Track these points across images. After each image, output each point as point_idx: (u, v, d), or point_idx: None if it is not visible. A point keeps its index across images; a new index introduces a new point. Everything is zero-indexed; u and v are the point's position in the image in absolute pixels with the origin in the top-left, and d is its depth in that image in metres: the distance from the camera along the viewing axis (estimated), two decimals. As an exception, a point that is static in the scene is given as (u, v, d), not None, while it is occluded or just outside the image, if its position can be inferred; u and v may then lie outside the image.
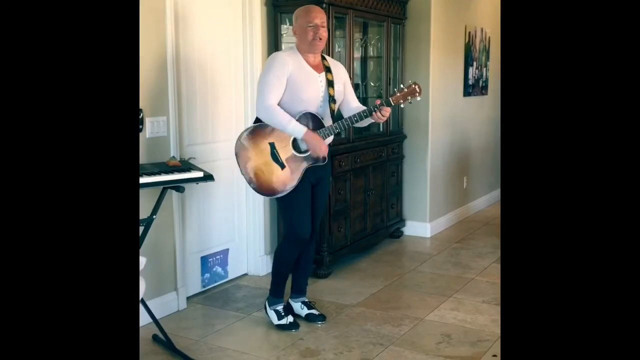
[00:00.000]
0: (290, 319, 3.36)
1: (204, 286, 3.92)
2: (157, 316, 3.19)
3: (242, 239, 4.22)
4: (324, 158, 3.15)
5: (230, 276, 4.14)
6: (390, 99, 3.11)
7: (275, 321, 3.36)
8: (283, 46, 4.18)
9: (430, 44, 5.07)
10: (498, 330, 3.30)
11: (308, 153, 3.13)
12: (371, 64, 5.06)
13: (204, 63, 3.77)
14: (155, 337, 3.18)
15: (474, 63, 5.98)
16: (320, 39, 3.12)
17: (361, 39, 4.92)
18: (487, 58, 6.32)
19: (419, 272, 4.36)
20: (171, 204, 3.51)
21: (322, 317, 3.44)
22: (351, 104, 3.34)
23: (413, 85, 3.12)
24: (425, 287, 4.04)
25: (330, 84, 3.19)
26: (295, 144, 3.13)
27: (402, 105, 3.17)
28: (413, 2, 5.07)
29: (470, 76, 5.91)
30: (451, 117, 5.58)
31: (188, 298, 3.73)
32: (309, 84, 3.12)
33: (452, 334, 3.28)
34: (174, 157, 3.30)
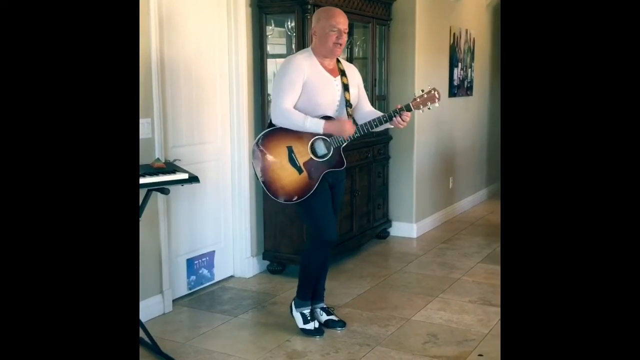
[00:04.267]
0: (316, 324, 3.30)
1: (190, 289, 3.90)
2: (143, 319, 3.17)
3: (229, 241, 4.20)
4: (341, 164, 3.11)
5: (217, 278, 4.12)
6: (410, 104, 3.05)
7: (300, 324, 3.30)
8: (268, 47, 4.18)
9: (416, 45, 5.09)
10: (484, 330, 3.32)
11: (326, 157, 3.08)
12: (357, 65, 5.05)
13: (189, 64, 3.76)
14: (141, 341, 3.16)
15: (459, 64, 6.01)
16: (341, 44, 3.06)
17: (347, 41, 4.92)
18: (472, 59, 6.35)
19: (405, 273, 4.37)
20: (156, 206, 3.49)
21: (341, 324, 3.37)
22: (364, 108, 3.27)
23: (432, 91, 3.06)
24: (412, 287, 4.05)
25: (345, 87, 3.14)
26: (313, 148, 3.08)
27: (421, 111, 3.09)
28: (398, 3, 5.08)
29: (455, 77, 5.94)
30: (436, 118, 5.60)
31: (174, 301, 3.71)
32: (325, 89, 3.07)
33: (439, 333, 3.29)
34: (158, 159, 3.28)
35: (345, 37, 3.08)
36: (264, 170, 3.09)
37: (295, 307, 3.36)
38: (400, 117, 3.04)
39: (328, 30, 3.04)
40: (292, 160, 3.07)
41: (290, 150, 3.07)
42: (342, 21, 3.07)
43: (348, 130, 3.04)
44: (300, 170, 3.07)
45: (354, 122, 3.16)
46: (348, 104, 3.15)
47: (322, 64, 3.10)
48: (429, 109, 3.08)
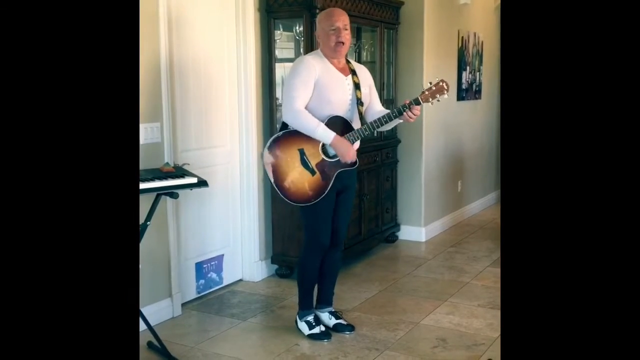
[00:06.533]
0: (321, 328, 3.31)
1: (198, 292, 3.91)
2: (152, 323, 3.18)
3: (237, 244, 4.21)
4: (353, 163, 3.10)
5: (225, 282, 4.13)
6: (419, 97, 3.03)
7: (307, 332, 3.30)
8: (277, 51, 4.19)
9: (424, 49, 5.09)
10: (493, 334, 3.30)
11: (338, 157, 3.07)
12: (365, 69, 5.07)
13: (198, 69, 3.77)
14: (150, 344, 3.17)
15: (467, 67, 6.00)
16: (343, 43, 3.05)
17: (354, 44, 4.93)
18: (480, 62, 6.34)
19: (414, 277, 4.36)
20: (165, 210, 3.50)
21: (350, 327, 3.37)
22: (375, 108, 3.27)
23: (441, 83, 3.04)
24: (421, 291, 4.04)
25: (357, 86, 3.14)
26: (324, 148, 3.08)
27: (431, 104, 3.08)
28: (406, 7, 5.08)
29: (463, 80, 5.93)
30: (445, 121, 5.59)
31: (183, 304, 3.72)
32: (336, 87, 3.07)
33: (448, 338, 3.28)
34: (167, 163, 3.30)
35: (345, 35, 3.06)
36: (277, 174, 3.10)
37: (300, 319, 3.37)
38: (410, 111, 3.02)
39: (328, 31, 3.05)
40: (305, 163, 3.07)
41: (302, 153, 3.07)
42: (340, 19, 3.06)
43: (350, 156, 3.04)
44: (313, 172, 3.07)
45: (363, 122, 3.16)
46: (359, 102, 3.14)
47: (332, 64, 3.11)
48: (438, 100, 3.07)
